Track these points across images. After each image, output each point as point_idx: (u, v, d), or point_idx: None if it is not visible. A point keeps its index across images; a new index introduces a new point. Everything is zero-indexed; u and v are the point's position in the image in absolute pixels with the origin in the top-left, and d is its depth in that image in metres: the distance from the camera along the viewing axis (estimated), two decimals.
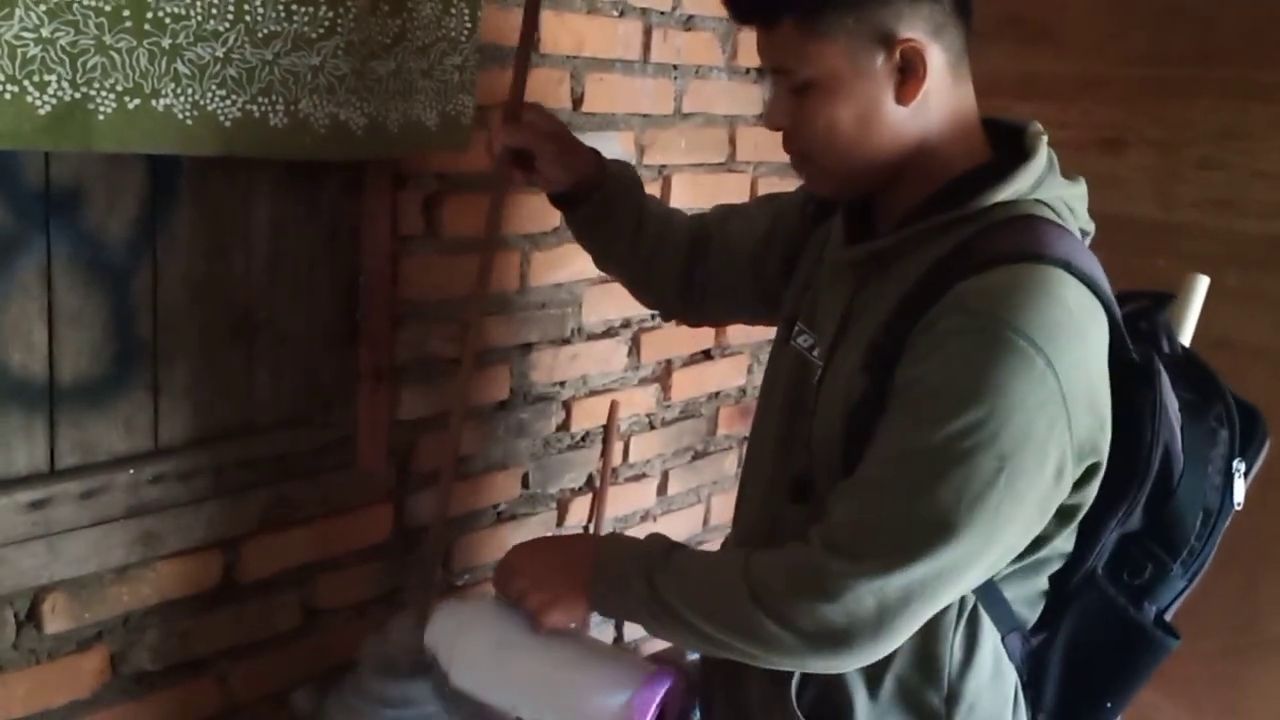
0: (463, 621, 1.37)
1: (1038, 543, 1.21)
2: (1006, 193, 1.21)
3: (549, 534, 1.34)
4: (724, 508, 2.63)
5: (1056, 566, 1.27)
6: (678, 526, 2.50)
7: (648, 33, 2.14)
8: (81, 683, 1.54)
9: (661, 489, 2.44)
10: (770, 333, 2.57)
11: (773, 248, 1.58)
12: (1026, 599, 1.28)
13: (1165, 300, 1.37)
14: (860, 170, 1.26)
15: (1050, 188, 1.24)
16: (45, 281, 1.44)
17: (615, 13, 2.06)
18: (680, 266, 1.65)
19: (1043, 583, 1.28)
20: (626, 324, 2.24)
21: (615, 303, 2.19)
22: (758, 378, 2.60)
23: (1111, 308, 1.19)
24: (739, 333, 2.52)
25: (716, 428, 2.55)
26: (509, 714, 1.39)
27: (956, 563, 1.11)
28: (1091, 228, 1.30)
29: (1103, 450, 1.18)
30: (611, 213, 1.63)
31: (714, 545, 2.60)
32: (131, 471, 1.53)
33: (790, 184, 2.53)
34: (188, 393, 1.60)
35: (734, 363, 2.54)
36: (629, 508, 2.36)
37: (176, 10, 1.34)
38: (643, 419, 2.34)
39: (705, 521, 2.59)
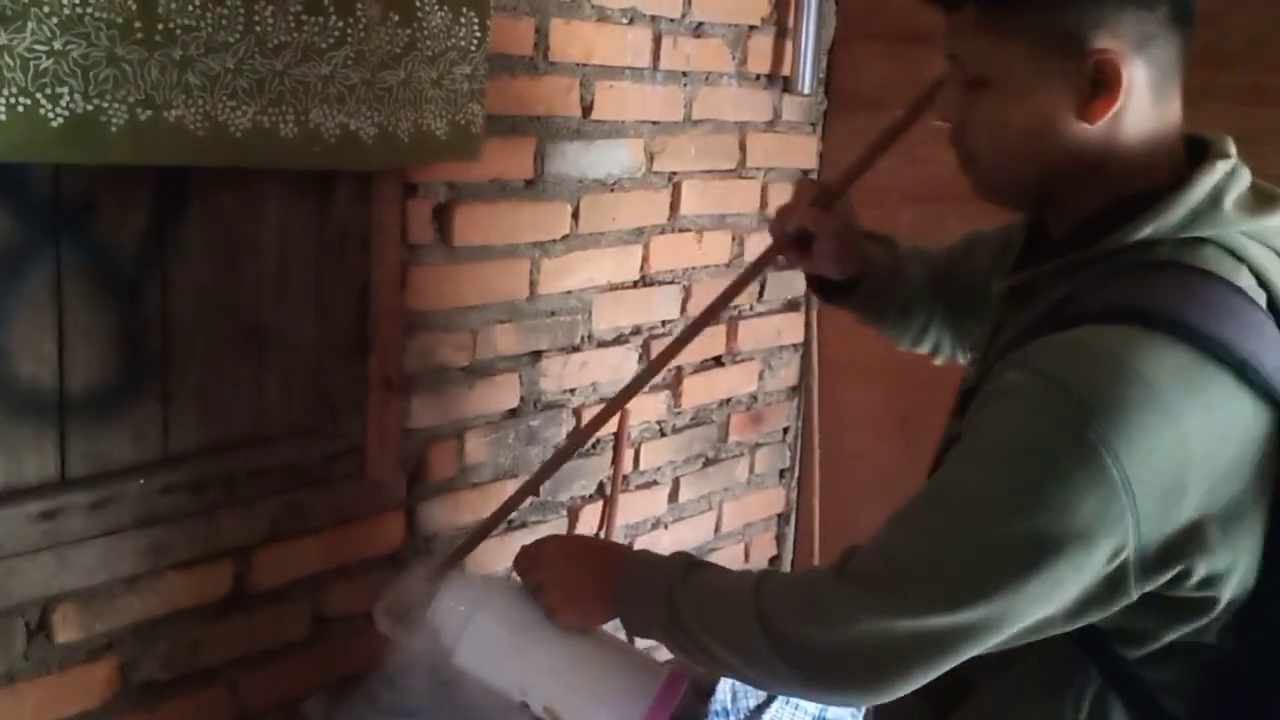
0: (477, 600, 1.35)
1: (1147, 633, 1.04)
2: (1146, 230, 1.04)
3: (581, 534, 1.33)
4: (735, 515, 2.62)
5: (1207, 656, 1.05)
6: (689, 534, 2.49)
7: (657, 40, 2.13)
8: (92, 692, 1.54)
9: (673, 496, 2.43)
10: (782, 339, 2.58)
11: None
12: (1170, 686, 1.06)
13: None
14: (1023, 183, 1.12)
15: (1213, 223, 1.04)
16: (55, 293, 1.44)
17: (625, 20, 2.06)
18: (941, 312, 1.56)
19: (1190, 671, 1.06)
20: (637, 331, 2.24)
21: (625, 310, 2.19)
22: (769, 384, 2.60)
23: (1249, 370, 0.98)
24: (749, 339, 2.51)
25: (728, 434, 2.54)
26: (512, 697, 1.36)
27: (971, 626, 1.00)
28: None
29: (1205, 541, 0.98)
30: (870, 308, 1.56)
31: (725, 552, 2.61)
32: (142, 481, 1.53)
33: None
34: (198, 403, 1.60)
35: (745, 369, 2.54)
36: (640, 515, 2.36)
37: (187, 22, 1.35)
38: (653, 426, 2.34)
39: (717, 529, 2.58)
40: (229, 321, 1.62)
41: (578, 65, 1.99)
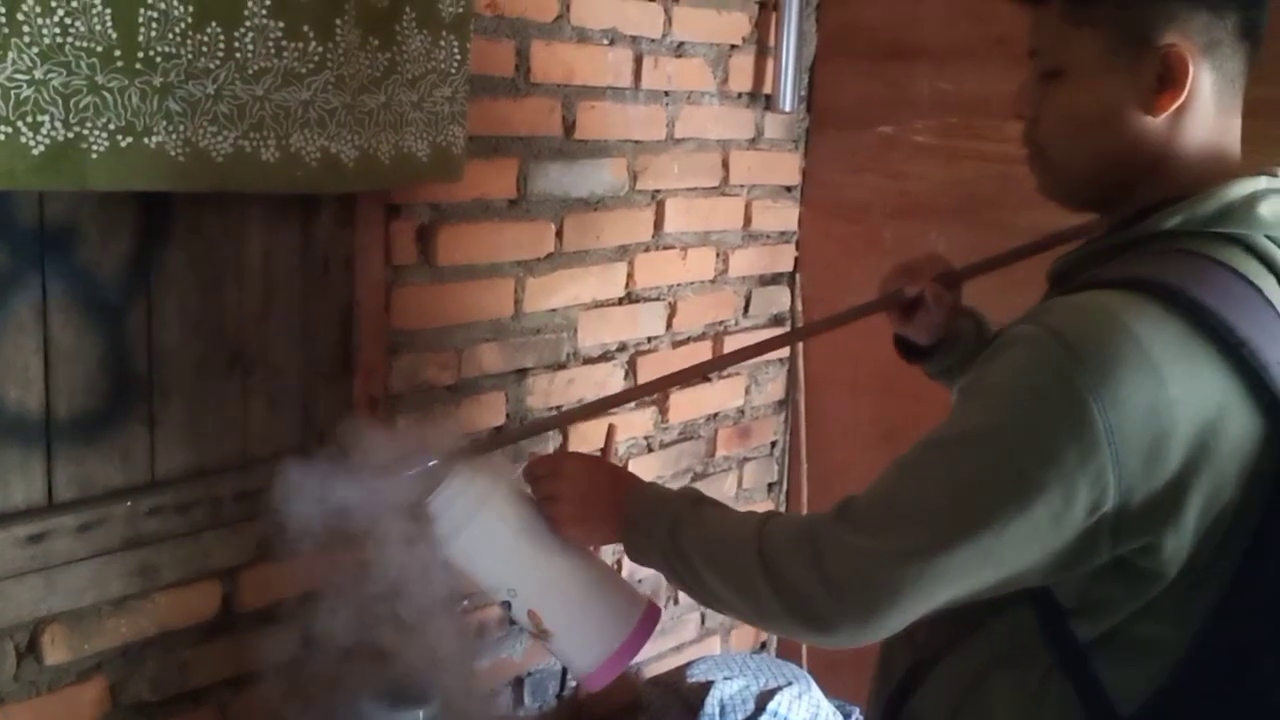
0: (484, 496, 1.35)
1: (1110, 603, 1.07)
2: (1176, 219, 1.08)
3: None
4: None
5: (1159, 653, 1.07)
6: None
7: (638, 60, 2.16)
8: (81, 714, 1.55)
9: None
10: (772, 353, 2.60)
11: None
12: (1124, 684, 1.08)
13: None
14: (1089, 172, 1.16)
15: (1242, 219, 1.08)
16: (41, 318, 1.46)
17: (605, 41, 2.08)
18: None
19: (1147, 668, 1.08)
20: (622, 347, 2.26)
21: (610, 327, 2.20)
22: (755, 399, 2.62)
23: (1246, 350, 1.01)
24: None
25: (715, 449, 2.56)
26: (495, 596, 1.37)
27: (954, 567, 1.03)
28: None
29: (1167, 518, 1.01)
30: (946, 374, 1.57)
31: None
32: (129, 504, 1.55)
33: (781, 207, 2.56)
34: (184, 426, 1.62)
35: (732, 384, 2.55)
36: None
37: (167, 49, 1.36)
38: (641, 441, 2.35)
39: None
40: (214, 345, 1.63)
41: (559, 86, 2.01)
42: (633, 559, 1.30)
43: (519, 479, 1.39)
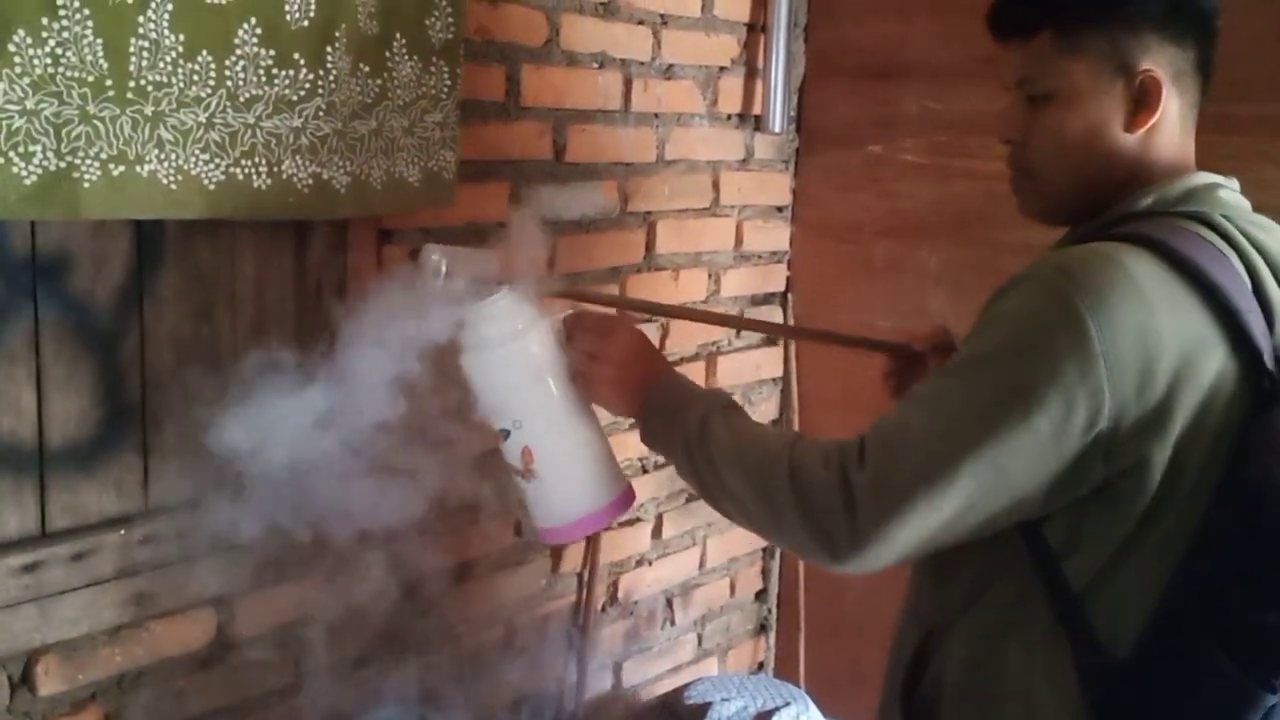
0: (528, 324, 1.36)
1: (1098, 537, 1.15)
2: (1148, 199, 1.23)
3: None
4: (719, 550, 2.63)
5: (1143, 594, 1.15)
6: (673, 570, 2.50)
7: (628, 83, 2.17)
8: None
9: (656, 532, 2.44)
10: (762, 373, 2.60)
11: None
12: (1115, 628, 1.16)
13: None
14: (1074, 188, 1.28)
15: (1207, 199, 1.23)
16: (33, 347, 1.46)
17: (595, 65, 2.09)
18: None
19: (1134, 611, 1.15)
20: None
21: None
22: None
23: (1223, 298, 1.13)
24: (729, 373, 2.53)
25: None
26: (493, 422, 1.38)
27: (963, 487, 1.11)
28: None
29: (1155, 432, 1.11)
30: None
31: (710, 588, 2.61)
32: (122, 532, 1.54)
33: (772, 227, 2.57)
34: (177, 453, 1.61)
35: None
36: (624, 553, 2.37)
37: (159, 78, 1.37)
38: (635, 463, 2.35)
39: (701, 564, 2.59)
40: (207, 371, 1.63)
41: (549, 110, 2.02)
42: (645, 442, 1.36)
43: (559, 323, 1.41)
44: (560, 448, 1.38)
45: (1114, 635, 1.16)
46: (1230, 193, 1.26)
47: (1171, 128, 1.27)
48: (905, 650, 1.33)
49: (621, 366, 1.37)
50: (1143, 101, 1.24)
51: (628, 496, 1.42)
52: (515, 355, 1.36)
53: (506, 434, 1.36)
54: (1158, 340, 1.11)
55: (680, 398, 1.34)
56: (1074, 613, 1.17)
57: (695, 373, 2.44)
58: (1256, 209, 1.25)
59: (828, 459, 1.18)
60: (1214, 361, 1.13)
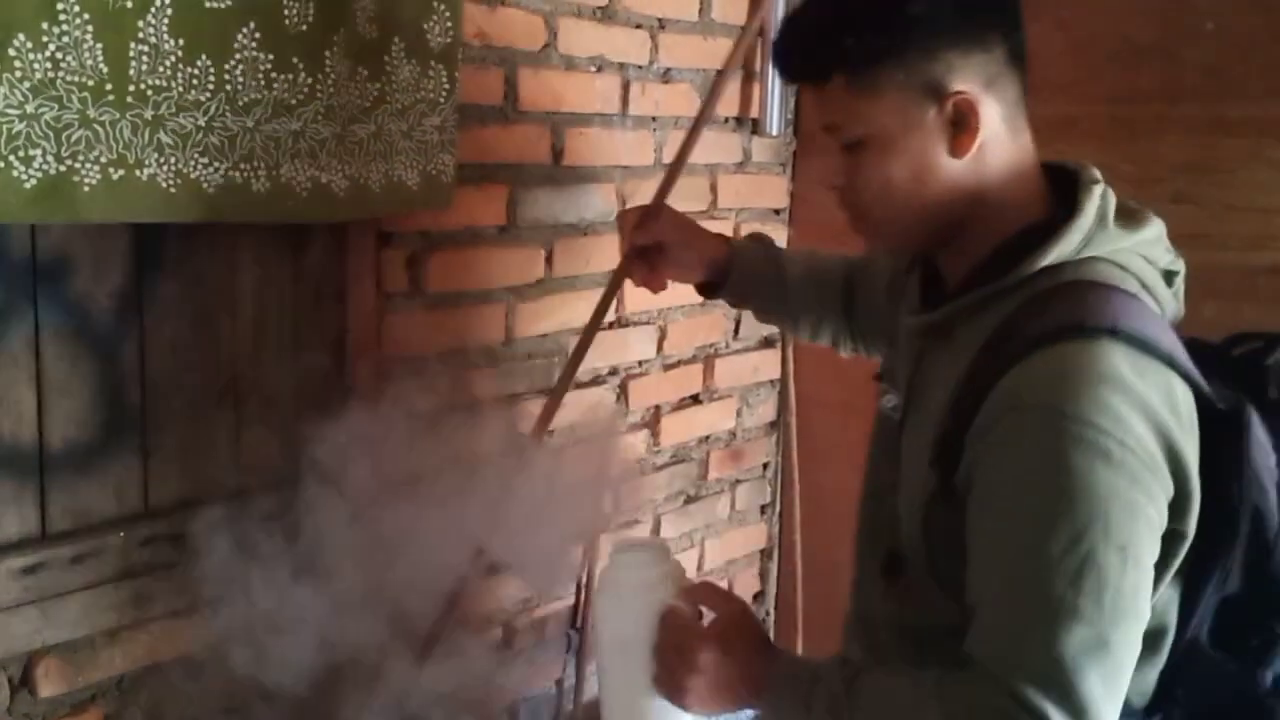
0: (649, 587, 1.33)
1: None
2: (1050, 257, 1.17)
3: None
4: (718, 552, 2.64)
5: (1167, 642, 1.19)
6: None
7: (626, 86, 2.17)
8: None
9: (654, 534, 2.45)
10: (759, 376, 2.61)
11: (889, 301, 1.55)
12: (1139, 686, 1.18)
13: (1278, 341, 1.27)
14: (916, 226, 1.23)
15: (1102, 242, 1.19)
16: (33, 351, 1.46)
17: (593, 69, 2.10)
18: (839, 318, 1.70)
19: (1158, 662, 1.19)
20: (614, 371, 2.26)
21: (601, 351, 2.21)
22: (747, 420, 2.63)
23: (1175, 361, 1.13)
24: (727, 376, 2.54)
25: (708, 471, 2.57)
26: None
27: (1120, 658, 1.08)
28: (1179, 266, 1.26)
29: (1189, 507, 1.12)
30: (752, 290, 1.70)
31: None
32: (123, 535, 1.55)
33: (769, 230, 2.57)
34: (177, 456, 1.62)
35: (723, 406, 2.56)
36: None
37: (158, 82, 1.38)
38: (633, 465, 2.36)
39: (700, 566, 2.60)
40: (207, 375, 1.64)
41: (547, 113, 2.03)
42: None
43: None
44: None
45: (1137, 687, 1.15)
46: (1113, 211, 1.20)
47: (1000, 135, 1.20)
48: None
49: (716, 682, 1.23)
50: (961, 125, 1.17)
51: None
52: (621, 609, 1.34)
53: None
54: (1158, 421, 1.09)
55: (799, 694, 1.20)
56: None
57: (692, 375, 2.45)
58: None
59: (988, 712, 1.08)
60: (1189, 405, 1.13)
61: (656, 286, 1.72)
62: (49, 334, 1.47)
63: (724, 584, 2.69)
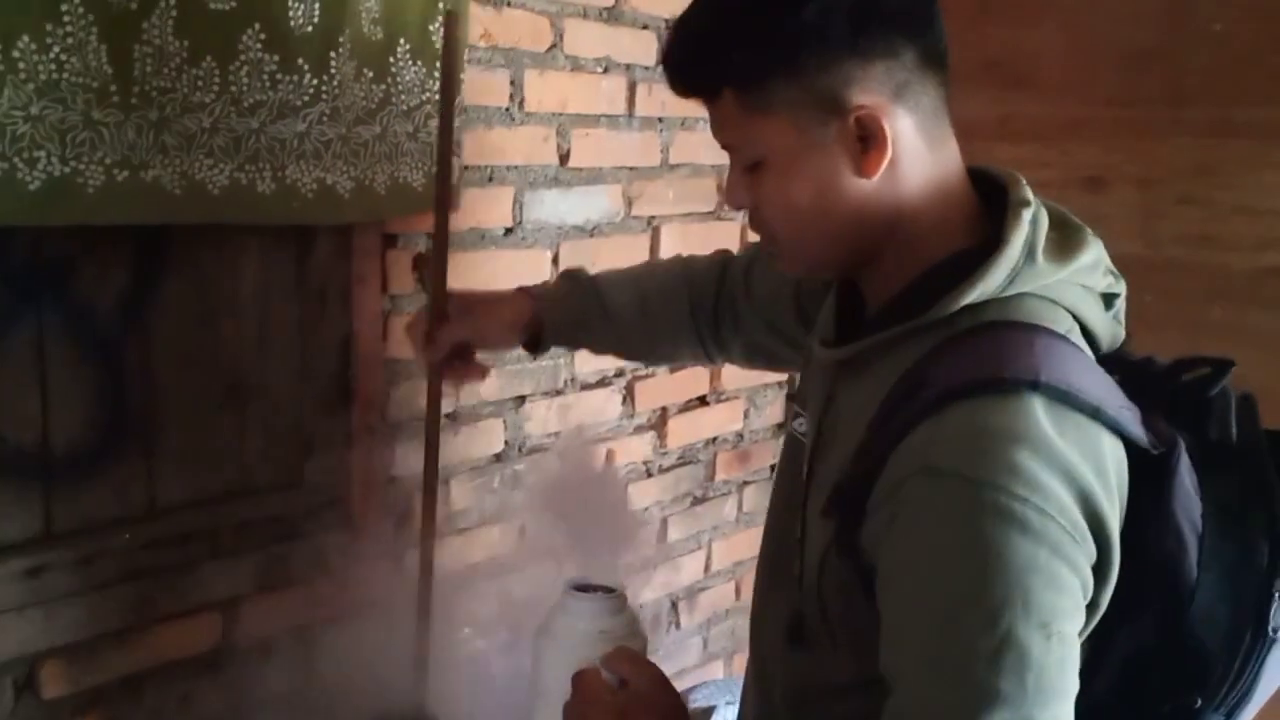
0: (577, 643, 1.31)
1: None
2: (971, 295, 1.06)
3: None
4: (725, 553, 2.64)
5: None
6: (679, 574, 2.50)
7: (632, 87, 2.17)
8: None
9: (661, 536, 2.45)
10: (766, 377, 2.60)
11: (795, 301, 1.46)
12: None
13: (1224, 369, 1.14)
14: (827, 250, 1.13)
15: (1030, 278, 1.07)
16: (38, 353, 1.46)
17: (599, 69, 2.09)
18: (701, 328, 1.56)
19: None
20: (620, 373, 2.26)
21: None
22: (754, 422, 2.62)
23: (1101, 413, 1.02)
24: (734, 377, 2.54)
25: (715, 473, 2.56)
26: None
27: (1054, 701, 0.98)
28: (1120, 288, 1.16)
29: (1108, 576, 1.02)
30: (574, 332, 1.58)
31: (715, 591, 2.61)
32: (127, 537, 1.55)
33: None
34: (181, 458, 1.62)
35: (730, 408, 2.56)
36: (629, 555, 2.36)
37: (163, 84, 1.37)
38: (639, 467, 2.35)
39: (707, 568, 2.59)
40: (211, 377, 1.64)
41: (554, 115, 2.02)
42: None
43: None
44: None
45: None
46: (1043, 239, 1.08)
47: (916, 148, 1.08)
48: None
49: None
50: (868, 140, 1.05)
51: None
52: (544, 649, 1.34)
53: None
54: (1082, 485, 0.99)
55: None
56: None
57: (699, 376, 2.45)
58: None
59: None
60: (1117, 457, 1.03)
61: (478, 379, 1.63)
62: (52, 336, 1.47)
63: (731, 586, 2.68)
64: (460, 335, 1.52)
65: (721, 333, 1.56)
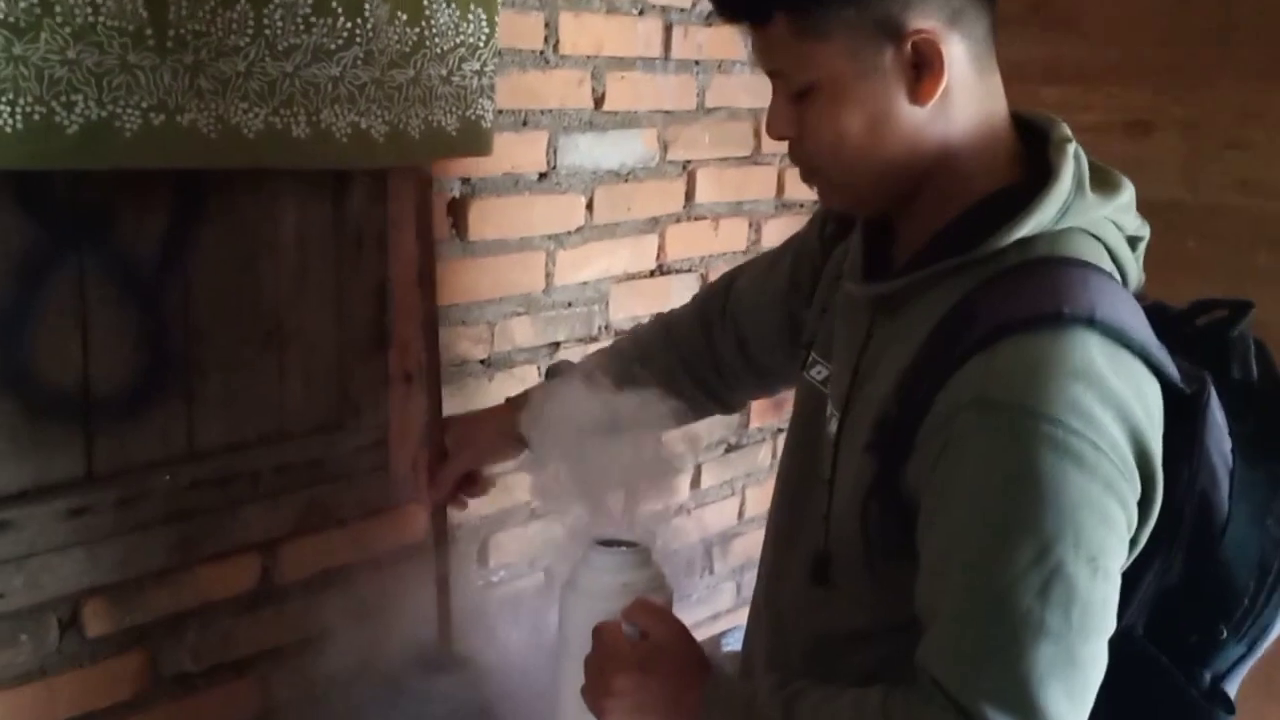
0: (597, 594, 1.31)
1: None
2: (1027, 228, 1.06)
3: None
4: (758, 500, 2.64)
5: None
6: (712, 520, 2.51)
7: (668, 30, 2.15)
8: (124, 684, 1.58)
9: (695, 482, 2.45)
10: None
11: (798, 297, 1.46)
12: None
13: (1244, 311, 1.16)
14: (875, 183, 1.12)
15: (1080, 211, 1.08)
16: (79, 297, 1.47)
17: (635, 11, 2.07)
18: (686, 382, 1.57)
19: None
20: None
21: (642, 299, 2.20)
22: None
23: (1148, 353, 1.04)
24: None
25: (749, 420, 2.56)
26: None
27: (1088, 675, 1.01)
28: (1145, 232, 1.17)
29: (1150, 513, 1.05)
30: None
31: (748, 538, 2.62)
32: (168, 478, 1.57)
33: None
34: (221, 401, 1.63)
35: None
36: (661, 502, 2.37)
37: (198, 28, 1.37)
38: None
39: (740, 514, 2.60)
40: (249, 320, 1.65)
41: (588, 58, 2.01)
42: None
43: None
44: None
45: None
46: (1074, 158, 1.09)
47: (968, 78, 1.07)
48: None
49: (638, 707, 1.18)
50: (923, 68, 1.05)
51: None
52: (568, 603, 1.33)
53: None
54: (1130, 420, 1.00)
55: (739, 709, 1.13)
56: None
57: None
58: None
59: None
60: (1158, 398, 1.05)
61: (482, 493, 1.68)
62: (93, 281, 1.48)
63: (763, 533, 2.68)
64: (462, 470, 1.61)
65: (723, 365, 1.57)
